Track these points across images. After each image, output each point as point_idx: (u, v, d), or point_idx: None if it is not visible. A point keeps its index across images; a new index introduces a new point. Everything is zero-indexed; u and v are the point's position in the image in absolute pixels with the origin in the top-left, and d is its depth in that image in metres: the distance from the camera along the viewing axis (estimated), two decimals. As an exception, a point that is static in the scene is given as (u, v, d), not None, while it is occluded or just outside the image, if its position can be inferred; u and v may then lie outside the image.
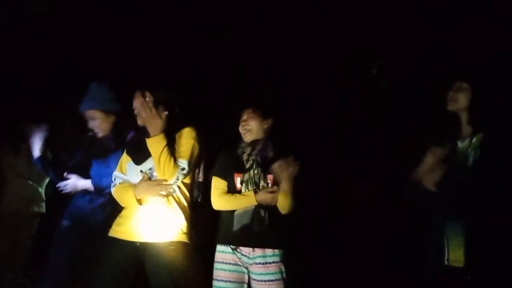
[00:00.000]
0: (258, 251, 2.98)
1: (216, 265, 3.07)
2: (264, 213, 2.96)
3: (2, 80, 6.28)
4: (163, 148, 2.79)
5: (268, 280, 2.95)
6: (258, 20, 6.81)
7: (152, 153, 2.84)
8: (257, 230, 2.93)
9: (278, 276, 2.97)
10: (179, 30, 6.90)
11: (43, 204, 5.43)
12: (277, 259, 2.99)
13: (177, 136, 2.96)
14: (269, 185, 3.04)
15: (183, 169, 2.89)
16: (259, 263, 2.97)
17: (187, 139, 2.95)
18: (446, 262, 2.64)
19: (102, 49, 6.54)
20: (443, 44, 6.40)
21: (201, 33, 6.87)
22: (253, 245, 2.99)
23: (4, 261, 5.28)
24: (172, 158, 2.83)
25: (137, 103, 3.00)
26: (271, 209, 2.99)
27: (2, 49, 6.17)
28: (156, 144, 2.82)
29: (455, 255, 2.62)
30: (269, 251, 2.98)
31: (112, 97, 3.50)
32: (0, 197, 5.28)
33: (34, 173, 5.36)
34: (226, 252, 3.05)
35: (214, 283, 3.04)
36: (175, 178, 2.87)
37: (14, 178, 5.32)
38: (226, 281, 3.00)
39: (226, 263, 3.03)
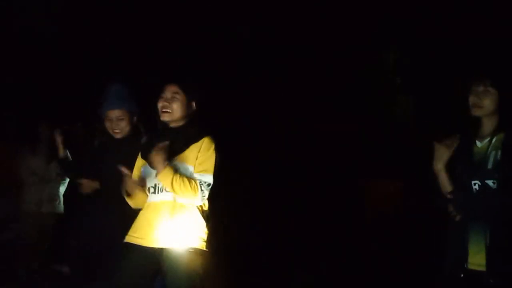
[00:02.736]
0: None
1: None
2: None
3: (18, 83, 6.35)
4: (173, 178, 2.75)
5: None
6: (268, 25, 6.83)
7: (165, 186, 2.79)
8: None
9: None
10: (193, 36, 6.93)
11: (61, 205, 5.45)
12: None
13: (197, 145, 2.87)
14: None
15: (209, 184, 2.83)
16: None
17: (209, 152, 2.87)
18: (466, 265, 2.59)
19: (116, 51, 6.58)
20: (465, 46, 6.33)
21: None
22: None
23: (22, 258, 5.33)
24: (185, 180, 2.77)
25: (168, 95, 2.90)
26: None
27: (17, 53, 6.24)
28: (165, 177, 2.77)
29: (475, 259, 2.56)
30: None
31: (134, 98, 3.45)
32: (18, 198, 5.33)
33: (51, 174, 5.39)
34: None
35: None
36: (201, 196, 2.82)
37: (30, 179, 5.35)
38: None
39: None
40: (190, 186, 2.76)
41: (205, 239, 2.85)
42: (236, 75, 7.42)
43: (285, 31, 7.29)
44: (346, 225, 7.09)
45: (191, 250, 2.75)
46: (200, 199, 2.81)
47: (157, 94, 2.94)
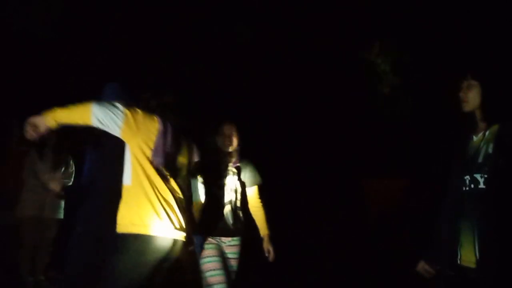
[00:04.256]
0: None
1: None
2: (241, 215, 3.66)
3: (25, 86, 6.37)
4: None
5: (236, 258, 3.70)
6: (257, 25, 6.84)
7: None
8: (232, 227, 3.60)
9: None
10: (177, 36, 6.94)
11: (61, 210, 5.47)
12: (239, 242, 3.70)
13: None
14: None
15: None
16: (231, 245, 3.67)
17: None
18: (458, 262, 2.61)
19: (118, 55, 6.60)
20: (450, 42, 6.36)
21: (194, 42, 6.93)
22: (229, 235, 3.64)
23: (25, 264, 5.36)
24: None
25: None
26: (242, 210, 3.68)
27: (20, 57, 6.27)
28: None
29: (466, 255, 2.57)
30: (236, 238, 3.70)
31: (133, 97, 3.47)
32: (20, 202, 5.35)
33: (56, 179, 5.41)
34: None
35: (202, 260, 3.57)
36: None
37: (33, 184, 5.36)
38: (215, 256, 3.57)
39: (213, 244, 3.61)
40: None
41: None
42: (236, 76, 7.45)
43: (284, 31, 7.30)
44: (349, 224, 7.11)
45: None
46: None
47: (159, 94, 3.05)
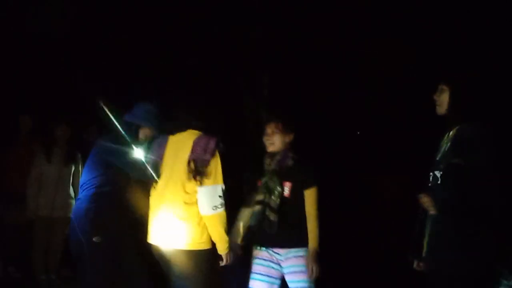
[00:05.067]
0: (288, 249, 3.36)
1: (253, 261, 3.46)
2: (274, 218, 3.29)
3: (33, 86, 6.34)
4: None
5: (299, 272, 3.33)
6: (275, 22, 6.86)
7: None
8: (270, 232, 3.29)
9: (304, 268, 3.31)
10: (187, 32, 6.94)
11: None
12: (303, 253, 3.33)
13: None
14: (285, 190, 3.34)
15: (221, 196, 2.97)
16: (290, 258, 3.35)
17: (216, 159, 3.00)
18: (423, 254, 2.76)
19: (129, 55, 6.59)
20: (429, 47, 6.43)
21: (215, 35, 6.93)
22: (274, 244, 3.36)
23: (38, 263, 5.34)
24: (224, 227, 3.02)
25: None
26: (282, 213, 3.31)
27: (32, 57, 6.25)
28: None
29: (425, 248, 2.72)
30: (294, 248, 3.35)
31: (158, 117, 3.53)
32: (32, 203, 5.30)
33: (65, 178, 5.38)
34: (261, 250, 3.43)
35: (251, 275, 3.42)
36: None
37: (44, 185, 5.32)
38: (262, 274, 3.38)
39: (262, 259, 3.41)
40: (224, 226, 3.13)
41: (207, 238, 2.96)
42: (235, 76, 7.46)
43: (284, 31, 7.34)
44: (349, 224, 7.13)
45: (189, 250, 2.86)
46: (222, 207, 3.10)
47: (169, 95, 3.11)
